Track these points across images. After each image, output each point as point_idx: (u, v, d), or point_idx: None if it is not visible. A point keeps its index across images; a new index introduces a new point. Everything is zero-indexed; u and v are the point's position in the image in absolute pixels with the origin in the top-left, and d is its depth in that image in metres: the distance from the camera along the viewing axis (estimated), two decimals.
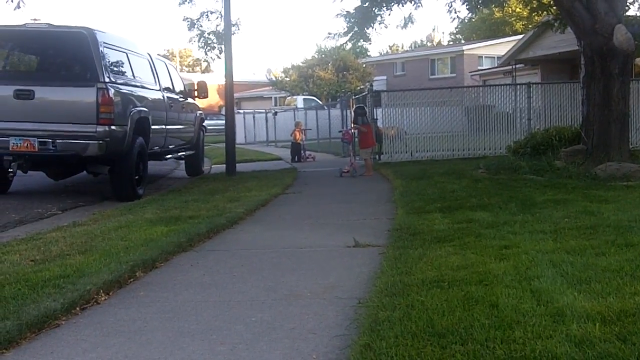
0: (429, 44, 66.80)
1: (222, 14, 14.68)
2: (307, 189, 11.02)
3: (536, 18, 21.65)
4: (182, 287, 4.57)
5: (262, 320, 3.73)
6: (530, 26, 28.32)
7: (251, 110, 36.58)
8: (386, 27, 17.46)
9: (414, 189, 9.36)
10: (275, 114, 30.72)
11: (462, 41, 57.89)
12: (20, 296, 4.07)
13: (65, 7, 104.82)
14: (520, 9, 45.44)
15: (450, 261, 4.65)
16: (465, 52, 45.26)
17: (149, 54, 12.09)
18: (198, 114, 14.52)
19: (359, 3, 15.38)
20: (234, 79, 14.48)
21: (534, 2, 17.07)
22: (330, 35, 16.57)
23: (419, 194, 8.79)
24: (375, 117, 16.14)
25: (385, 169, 13.55)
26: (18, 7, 13.48)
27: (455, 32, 64.90)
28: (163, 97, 11.95)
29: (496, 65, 35.69)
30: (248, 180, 12.25)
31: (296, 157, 19.24)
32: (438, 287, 3.94)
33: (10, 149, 9.30)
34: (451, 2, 16.09)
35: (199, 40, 16.35)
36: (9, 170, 9.60)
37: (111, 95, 9.40)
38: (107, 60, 9.75)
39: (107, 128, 9.34)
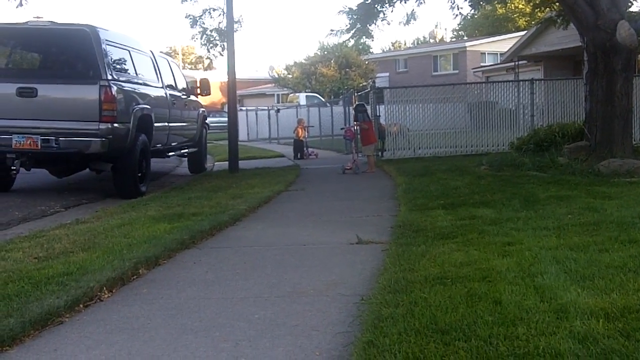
0: (431, 40, 66.71)
1: (225, 11, 14.68)
2: (310, 186, 11.01)
3: (539, 14, 21.58)
4: (185, 284, 4.58)
5: (265, 317, 3.73)
6: (533, 22, 28.25)
7: (254, 108, 36.64)
8: (389, 23, 17.55)
9: (416, 186, 9.35)
10: (278, 111, 30.72)
11: (465, 38, 57.77)
12: (24, 293, 4.08)
13: (68, 5, 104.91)
14: (523, 5, 45.37)
15: (453, 258, 4.65)
16: (467, 49, 45.15)
17: (151, 52, 12.09)
18: (201, 112, 14.53)
19: (361, 0, 15.37)
20: (237, 76, 14.47)
21: None
22: (333, 32, 16.57)
23: (422, 190, 8.78)
24: (377, 114, 16.14)
25: (388, 165, 13.54)
26: (20, 4, 13.50)
27: (457, 28, 64.78)
28: (166, 94, 11.95)
29: (499, 61, 35.61)
30: (251, 177, 12.25)
31: (299, 155, 19.25)
32: (441, 284, 3.94)
33: (13, 147, 9.31)
34: None
35: (201, 38, 16.38)
36: (12, 167, 9.62)
37: (114, 92, 9.40)
38: (110, 57, 9.75)
39: (109, 125, 9.35)
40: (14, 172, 9.85)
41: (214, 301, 4.14)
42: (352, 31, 16.07)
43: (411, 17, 16.13)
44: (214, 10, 15.91)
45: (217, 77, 42.45)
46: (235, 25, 14.94)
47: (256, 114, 33.70)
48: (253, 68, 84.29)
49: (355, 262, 5.04)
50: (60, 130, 9.29)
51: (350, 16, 15.66)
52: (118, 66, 10.05)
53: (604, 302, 3.41)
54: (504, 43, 37.51)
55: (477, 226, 5.90)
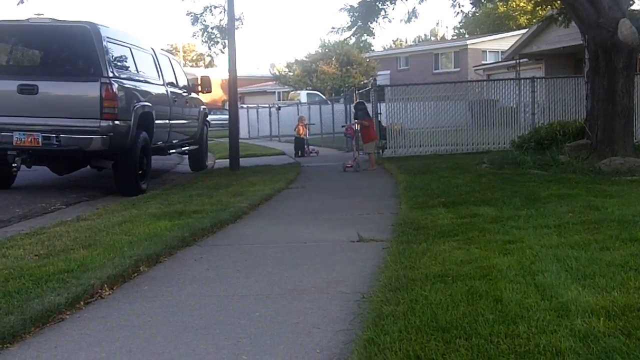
0: (432, 38, 66.61)
1: (226, 8, 14.67)
2: (311, 184, 11.01)
3: (540, 12, 21.57)
4: (186, 282, 4.58)
5: (266, 315, 3.74)
6: (534, 20, 28.20)
7: (255, 105, 36.63)
8: (390, 21, 17.58)
9: (417, 184, 9.35)
10: (279, 109, 30.72)
11: (466, 35, 57.76)
12: (25, 291, 4.08)
13: (69, 2, 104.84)
14: (524, 3, 45.34)
15: (454, 256, 4.65)
16: (469, 47, 45.14)
17: (152, 49, 12.08)
18: (202, 109, 14.53)
19: None
20: (238, 74, 14.46)
21: None
22: (334, 29, 16.57)
23: (423, 188, 8.78)
24: (379, 112, 16.14)
25: (389, 163, 13.54)
26: (22, 2, 13.51)
27: (459, 26, 64.81)
28: (167, 91, 11.95)
29: (500, 59, 35.59)
30: (252, 175, 12.25)
31: (300, 152, 19.24)
32: (442, 282, 3.94)
33: (14, 144, 9.31)
34: None
35: (202, 35, 16.38)
36: (13, 165, 9.61)
37: (115, 90, 9.40)
38: (111, 55, 9.75)
39: (110, 123, 9.35)
40: (15, 169, 9.85)
41: (214, 299, 4.14)
42: (354, 29, 16.07)
43: (412, 14, 16.12)
44: (215, 7, 15.93)
45: (218, 75, 42.44)
46: (237, 23, 14.93)
47: (257, 111, 33.70)
48: (254, 65, 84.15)
49: (356, 260, 5.04)
50: (61, 128, 9.29)
51: (351, 14, 15.65)
52: (119, 63, 10.04)
53: (605, 300, 3.40)
54: (505, 41, 37.49)
55: (478, 224, 5.89)
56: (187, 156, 14.94)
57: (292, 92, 45.24)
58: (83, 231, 6.33)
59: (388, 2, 15.50)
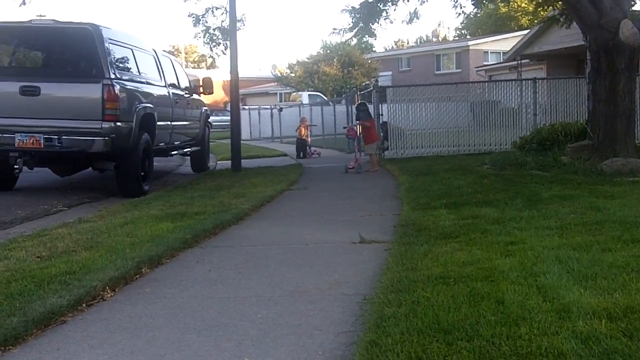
0: (434, 39, 66.56)
1: (227, 9, 14.68)
2: (313, 185, 11.01)
3: (542, 13, 21.56)
4: (188, 284, 4.58)
5: (268, 317, 3.74)
6: (536, 21, 28.23)
7: (256, 106, 36.63)
8: (391, 22, 17.61)
9: (419, 185, 9.35)
10: (281, 110, 30.72)
11: (468, 36, 57.71)
12: (27, 292, 4.08)
13: (71, 4, 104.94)
14: (525, 4, 45.24)
15: (456, 257, 4.65)
16: (470, 48, 45.11)
17: (154, 50, 12.09)
18: (203, 110, 14.53)
19: None
20: (239, 75, 14.48)
21: None
22: (336, 30, 16.60)
23: (425, 190, 8.78)
24: (380, 113, 16.13)
25: (391, 164, 13.54)
26: (23, 3, 13.53)
27: (460, 27, 64.69)
28: (168, 93, 11.96)
29: (502, 60, 35.56)
30: (253, 176, 12.25)
31: (301, 153, 19.23)
32: (444, 284, 3.94)
33: (16, 146, 9.32)
34: None
35: (204, 36, 16.40)
36: (15, 166, 9.63)
37: (117, 91, 9.41)
38: (113, 56, 9.76)
39: (112, 124, 9.36)
40: (17, 170, 9.87)
41: (216, 300, 4.14)
42: (355, 30, 16.08)
43: (414, 16, 16.14)
44: (217, 8, 15.97)
45: (220, 76, 42.43)
46: (238, 24, 14.95)
47: (259, 112, 33.69)
48: (256, 67, 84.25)
49: (358, 262, 5.04)
50: (63, 129, 9.30)
51: (353, 15, 15.67)
52: (121, 65, 10.06)
53: (607, 302, 3.40)
54: (507, 42, 37.49)
55: (479, 225, 5.89)
56: (189, 157, 14.94)
57: (294, 94, 45.24)
58: (85, 233, 6.33)
59: (389, 3, 15.52)
